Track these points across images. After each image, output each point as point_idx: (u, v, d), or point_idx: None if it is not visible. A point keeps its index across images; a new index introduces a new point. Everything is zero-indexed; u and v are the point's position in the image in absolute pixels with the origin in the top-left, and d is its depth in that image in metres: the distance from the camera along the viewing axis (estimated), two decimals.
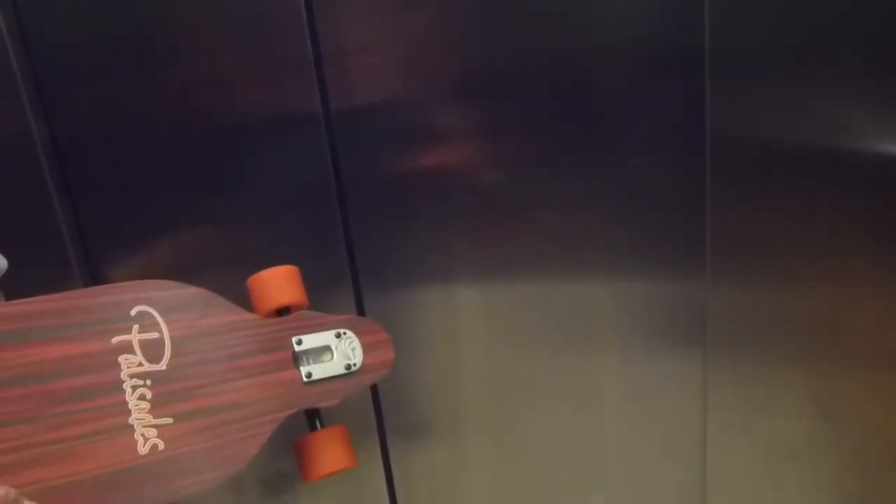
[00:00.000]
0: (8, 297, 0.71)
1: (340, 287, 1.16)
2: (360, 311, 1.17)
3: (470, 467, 1.27)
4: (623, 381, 1.14)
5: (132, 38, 1.07)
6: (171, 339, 0.60)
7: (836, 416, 1.08)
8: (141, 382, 0.58)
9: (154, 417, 0.58)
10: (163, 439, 0.58)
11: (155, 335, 0.60)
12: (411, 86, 1.07)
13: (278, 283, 0.67)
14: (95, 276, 1.17)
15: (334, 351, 0.66)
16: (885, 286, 1.01)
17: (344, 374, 0.66)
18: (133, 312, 0.59)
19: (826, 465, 1.10)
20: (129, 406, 0.58)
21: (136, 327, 0.59)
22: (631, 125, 1.01)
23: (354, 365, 0.67)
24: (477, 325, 1.18)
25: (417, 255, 1.14)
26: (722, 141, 0.98)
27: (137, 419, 0.58)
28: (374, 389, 1.22)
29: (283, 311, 0.67)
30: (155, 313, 0.60)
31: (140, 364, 0.59)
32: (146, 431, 0.58)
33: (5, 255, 0.71)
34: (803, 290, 1.03)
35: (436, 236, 1.13)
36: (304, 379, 0.65)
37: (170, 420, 0.59)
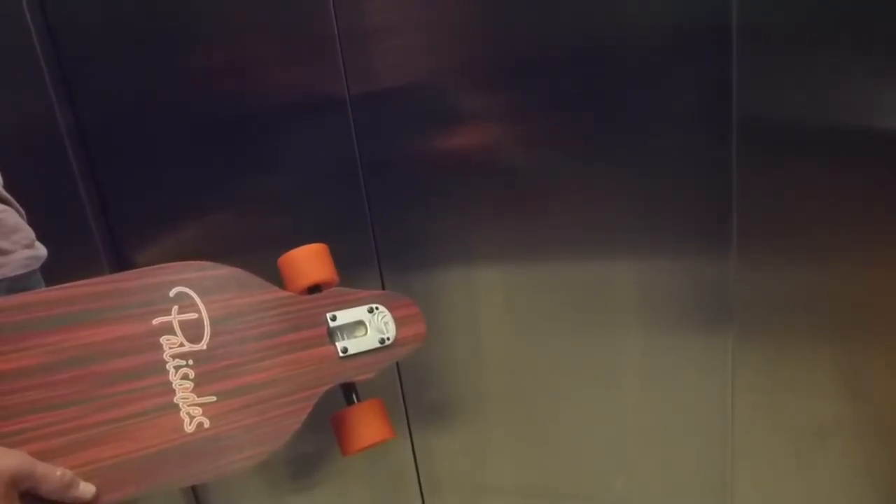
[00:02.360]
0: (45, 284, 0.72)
1: (366, 268, 1.16)
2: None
3: (492, 446, 1.28)
4: (648, 361, 1.14)
5: (157, 23, 1.07)
6: (210, 318, 0.61)
7: (864, 395, 1.07)
8: (183, 362, 0.59)
9: (198, 396, 0.59)
10: (208, 417, 0.59)
11: (194, 315, 0.60)
12: (433, 68, 1.06)
13: (309, 260, 0.68)
14: (121, 260, 1.18)
15: (368, 326, 0.67)
16: None
17: (378, 348, 0.67)
18: (172, 294, 0.60)
19: (854, 443, 1.10)
20: (174, 386, 0.59)
21: (175, 308, 0.60)
22: (657, 105, 1.00)
23: (388, 339, 0.68)
24: (499, 305, 1.18)
25: (438, 237, 1.15)
26: (749, 120, 0.97)
27: (182, 398, 0.59)
28: (397, 370, 1.23)
29: (314, 289, 0.68)
30: (193, 294, 0.61)
31: (181, 344, 0.59)
32: (191, 410, 0.59)
33: None
34: (830, 268, 1.02)
35: (457, 217, 1.13)
36: (340, 354, 0.65)
37: (213, 398, 0.60)
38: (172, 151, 1.14)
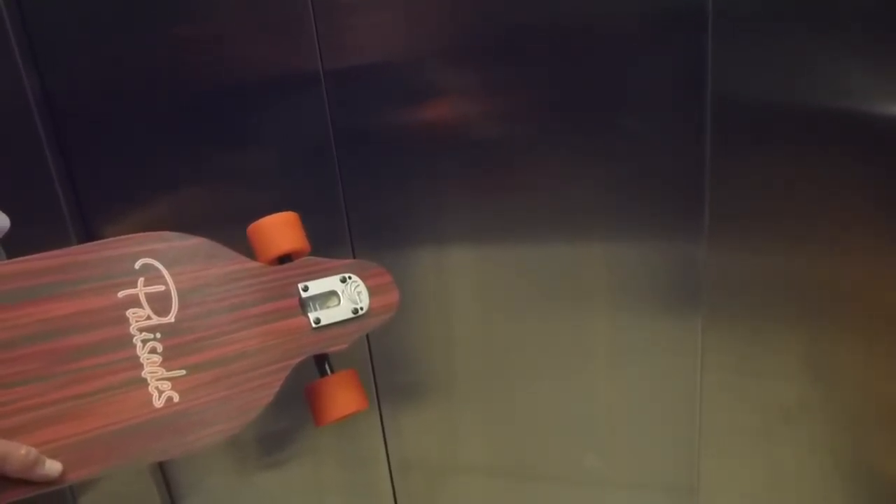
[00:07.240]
0: (7, 256, 0.70)
1: (338, 247, 1.15)
2: None
3: (462, 426, 1.28)
4: (619, 342, 1.14)
5: None
6: (178, 290, 0.59)
7: (831, 378, 1.09)
8: (151, 336, 0.57)
9: (167, 370, 0.57)
10: (177, 391, 0.57)
11: (161, 288, 0.59)
12: (408, 44, 1.04)
13: (279, 229, 0.66)
14: (89, 232, 1.16)
15: (341, 296, 0.66)
16: (882, 249, 1.00)
17: (351, 318, 0.66)
18: (137, 266, 0.58)
19: (819, 425, 1.12)
20: (141, 360, 0.57)
21: (141, 280, 0.58)
22: (630, 87, 0.99)
23: (361, 309, 0.66)
24: (471, 285, 1.17)
25: (412, 215, 1.13)
26: (723, 102, 0.96)
27: (150, 372, 0.57)
28: (368, 350, 1.22)
29: (285, 259, 0.66)
30: (159, 265, 0.59)
31: (148, 317, 0.58)
32: (160, 384, 0.57)
33: None
34: (800, 252, 1.02)
35: (431, 196, 1.11)
36: (313, 325, 0.64)
37: (183, 372, 0.58)
38: (143, 124, 1.12)
